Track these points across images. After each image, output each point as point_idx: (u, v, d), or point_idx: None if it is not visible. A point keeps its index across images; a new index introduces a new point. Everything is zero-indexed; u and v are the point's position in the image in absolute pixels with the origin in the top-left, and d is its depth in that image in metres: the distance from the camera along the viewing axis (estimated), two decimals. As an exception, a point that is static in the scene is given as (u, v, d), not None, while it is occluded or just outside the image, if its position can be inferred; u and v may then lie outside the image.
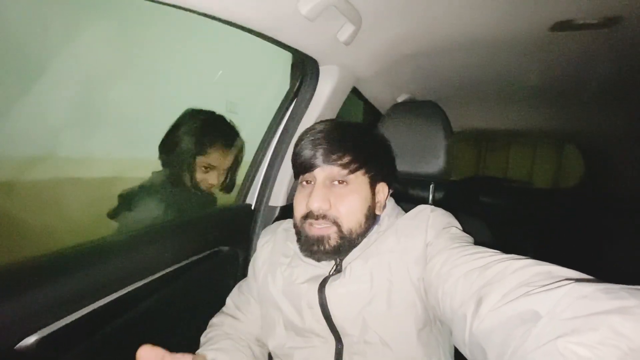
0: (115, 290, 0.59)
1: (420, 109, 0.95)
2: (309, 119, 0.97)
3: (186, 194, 0.96)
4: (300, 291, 0.64)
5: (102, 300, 0.57)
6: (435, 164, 0.88)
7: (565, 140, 2.40)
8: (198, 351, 0.65)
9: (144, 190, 0.93)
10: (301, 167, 0.64)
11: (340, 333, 0.62)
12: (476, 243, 0.58)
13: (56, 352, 0.50)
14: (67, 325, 0.52)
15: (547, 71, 1.18)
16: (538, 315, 0.34)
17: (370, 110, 1.61)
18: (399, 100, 1.55)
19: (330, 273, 0.65)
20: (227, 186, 1.02)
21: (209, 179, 0.95)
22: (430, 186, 1.05)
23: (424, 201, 1.04)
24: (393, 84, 1.35)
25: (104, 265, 0.57)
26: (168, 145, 0.94)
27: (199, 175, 0.95)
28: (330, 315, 0.61)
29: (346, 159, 0.61)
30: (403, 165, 0.90)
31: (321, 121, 0.69)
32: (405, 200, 0.84)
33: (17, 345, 0.46)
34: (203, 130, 0.95)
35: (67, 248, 0.55)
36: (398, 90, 1.47)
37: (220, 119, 1.01)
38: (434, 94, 1.58)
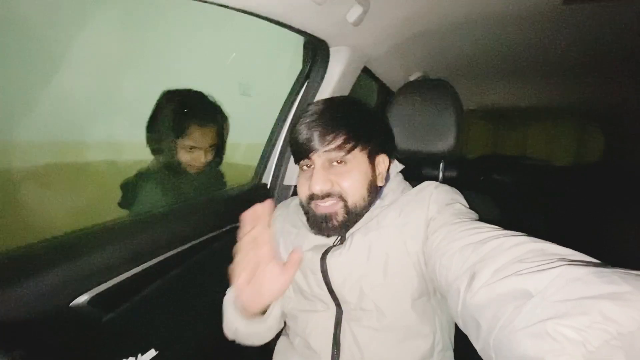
0: (149, 259, 0.67)
1: (431, 87, 0.95)
2: (320, 100, 1.00)
3: (185, 177, 0.97)
4: (306, 258, 0.68)
5: (139, 267, 0.65)
6: (445, 141, 0.88)
7: (585, 116, 2.31)
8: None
9: (143, 177, 0.96)
10: (299, 154, 0.66)
11: (339, 300, 0.66)
12: (483, 220, 0.58)
13: (103, 310, 0.58)
14: (110, 288, 0.60)
15: (563, 45, 1.15)
16: (529, 294, 0.34)
17: (383, 90, 1.61)
18: (412, 78, 1.54)
19: (334, 243, 0.69)
20: (215, 163, 1.01)
21: (196, 159, 0.95)
22: (441, 164, 1.07)
23: (435, 179, 1.06)
24: (404, 63, 1.34)
25: (140, 237, 0.65)
26: (152, 132, 0.94)
27: (185, 157, 0.95)
28: (330, 282, 0.65)
29: (341, 140, 0.62)
30: (413, 144, 0.91)
31: (315, 101, 0.70)
32: (416, 178, 0.85)
33: (72, 303, 0.54)
34: (179, 111, 0.94)
35: (110, 221, 0.62)
36: (410, 68, 1.46)
37: (196, 96, 0.99)
38: (447, 72, 1.56)
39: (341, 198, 0.64)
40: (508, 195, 1.77)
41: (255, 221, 0.60)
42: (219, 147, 1.01)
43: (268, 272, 0.60)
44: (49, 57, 1.25)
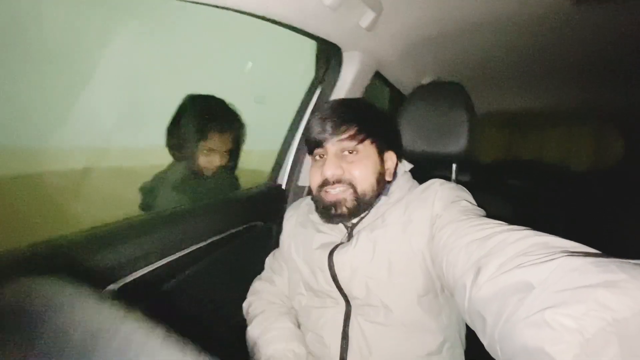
0: (172, 254, 0.70)
1: (443, 89, 0.96)
2: (334, 104, 1.03)
3: (200, 179, 1.00)
4: (314, 256, 0.71)
5: (162, 261, 0.68)
6: (457, 144, 0.89)
7: (604, 118, 2.26)
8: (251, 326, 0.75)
9: (161, 179, 1.00)
10: (313, 143, 0.69)
11: (348, 296, 0.67)
12: (495, 218, 0.58)
13: (129, 300, 0.61)
14: (136, 279, 0.63)
15: (577, 47, 1.14)
16: (531, 285, 0.35)
17: (395, 94, 1.63)
18: (424, 82, 1.55)
19: (342, 240, 0.71)
20: (229, 168, 1.04)
21: (211, 162, 0.98)
22: (453, 167, 1.07)
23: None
24: (416, 67, 1.36)
25: (164, 233, 0.68)
26: (173, 134, 0.98)
27: (202, 159, 0.98)
28: (337, 279, 0.67)
29: (353, 130, 0.66)
30: (426, 146, 0.92)
31: (328, 101, 0.74)
32: (428, 180, 0.87)
33: (102, 292, 0.58)
34: (201, 116, 0.98)
35: (135, 217, 0.66)
36: (422, 72, 1.48)
37: (218, 103, 1.02)
38: (460, 75, 1.56)
39: (351, 185, 0.66)
40: (523, 200, 1.74)
41: None
42: (233, 152, 1.04)
43: None
44: (77, 68, 1.33)
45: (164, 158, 1.13)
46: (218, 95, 1.06)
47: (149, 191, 1.01)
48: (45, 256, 0.51)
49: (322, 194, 0.68)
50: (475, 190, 0.71)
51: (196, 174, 1.01)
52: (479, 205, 0.66)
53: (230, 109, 1.05)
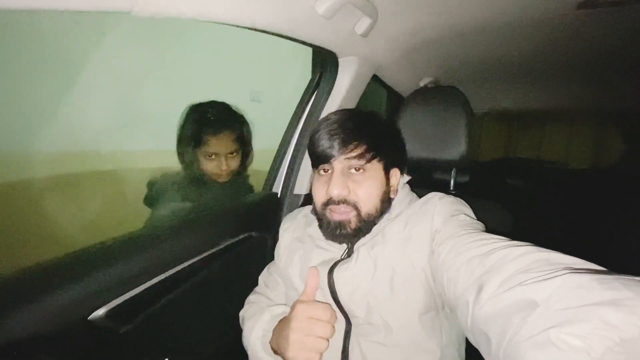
0: (164, 271, 0.68)
1: (441, 94, 0.94)
2: (329, 110, 1.01)
3: (212, 187, 1.00)
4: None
5: (154, 279, 0.66)
6: (456, 148, 0.88)
7: (603, 117, 2.24)
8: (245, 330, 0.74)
9: (169, 186, 1.00)
10: (319, 158, 0.66)
11: (348, 314, 0.66)
12: (493, 229, 0.58)
13: (120, 322, 0.59)
14: (126, 300, 0.62)
15: (577, 48, 1.12)
16: (535, 303, 0.34)
17: (393, 96, 1.60)
18: (422, 84, 1.53)
19: (342, 257, 0.69)
20: (237, 171, 1.02)
21: (217, 167, 0.98)
22: (452, 171, 1.06)
23: (446, 186, 1.06)
24: (414, 70, 1.34)
25: (155, 250, 0.66)
26: (179, 144, 0.99)
27: (207, 165, 0.98)
28: (337, 297, 0.65)
29: (362, 149, 0.64)
30: (424, 151, 0.91)
31: (335, 112, 0.71)
32: (427, 186, 0.85)
33: (90, 316, 0.56)
34: (196, 122, 0.97)
35: (126, 235, 0.65)
36: (420, 74, 1.45)
37: (217, 106, 1.02)
38: (458, 76, 1.54)
39: (355, 207, 0.65)
40: (522, 200, 1.73)
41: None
42: (239, 154, 1.02)
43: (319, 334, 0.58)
44: (69, 73, 1.30)
45: (159, 161, 1.12)
46: (213, 97, 1.04)
47: (156, 189, 1.00)
48: (24, 284, 0.50)
49: (327, 212, 0.66)
50: (475, 194, 0.70)
51: (203, 180, 1.00)
52: (478, 211, 0.66)
53: (224, 109, 1.03)
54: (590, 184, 2.08)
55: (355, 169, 0.65)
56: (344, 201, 0.64)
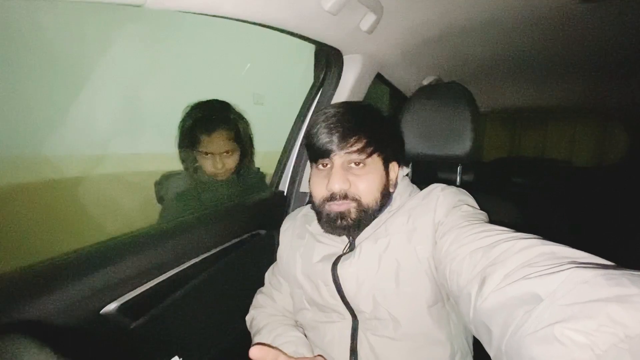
0: (174, 267, 0.69)
1: (445, 90, 0.94)
2: (335, 108, 1.01)
3: (211, 186, 1.00)
4: (316, 269, 0.68)
5: (164, 275, 0.67)
6: (461, 145, 0.87)
7: (607, 114, 2.24)
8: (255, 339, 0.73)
9: (173, 185, 1.02)
10: (318, 153, 0.65)
11: (354, 310, 0.65)
12: (500, 223, 0.57)
13: (131, 317, 0.60)
14: (137, 295, 0.62)
15: (581, 44, 1.12)
16: (539, 297, 0.34)
17: (396, 95, 1.61)
18: (425, 82, 1.53)
19: (344, 251, 0.69)
20: (237, 170, 1.01)
21: (213, 165, 0.97)
22: (458, 168, 1.05)
23: (452, 183, 1.05)
24: (418, 68, 1.34)
25: (165, 246, 0.66)
26: (179, 146, 0.99)
27: (205, 165, 0.98)
28: (343, 292, 0.65)
29: (362, 143, 0.63)
30: (430, 148, 0.91)
31: (332, 105, 0.70)
32: (434, 182, 0.85)
33: (102, 311, 0.56)
34: (195, 120, 0.97)
35: (136, 232, 0.65)
36: (423, 72, 1.46)
37: (214, 105, 1.01)
38: (462, 74, 1.55)
39: (355, 200, 0.64)
40: (528, 198, 1.72)
41: None
42: (237, 153, 1.01)
43: None
44: (77, 75, 1.32)
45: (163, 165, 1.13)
46: (217, 98, 1.04)
47: (165, 187, 1.01)
48: (40, 278, 0.50)
49: (327, 206, 0.65)
50: (480, 192, 0.70)
51: (202, 180, 0.99)
52: (483, 207, 0.64)
53: (218, 108, 1.02)
54: (595, 182, 2.07)
55: (356, 163, 0.64)
56: (345, 196, 0.63)
